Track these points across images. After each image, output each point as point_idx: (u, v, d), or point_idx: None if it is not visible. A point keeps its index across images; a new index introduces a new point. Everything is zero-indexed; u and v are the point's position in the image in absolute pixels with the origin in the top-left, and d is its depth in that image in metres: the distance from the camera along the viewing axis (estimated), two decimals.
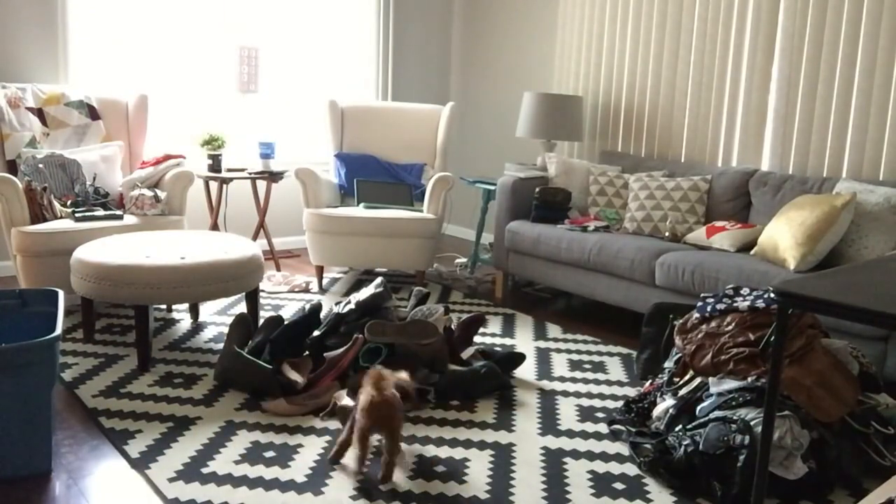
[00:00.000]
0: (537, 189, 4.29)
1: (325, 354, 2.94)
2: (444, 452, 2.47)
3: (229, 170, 4.70)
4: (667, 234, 3.98)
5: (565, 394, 3.01)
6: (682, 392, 2.50)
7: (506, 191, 4.38)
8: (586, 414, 2.83)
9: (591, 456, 2.48)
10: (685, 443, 2.28)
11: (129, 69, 4.71)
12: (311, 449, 2.44)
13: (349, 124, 4.95)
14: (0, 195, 3.54)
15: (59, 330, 2.23)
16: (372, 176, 4.70)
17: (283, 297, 4.21)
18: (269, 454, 2.40)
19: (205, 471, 2.27)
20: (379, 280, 3.26)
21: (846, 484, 2.32)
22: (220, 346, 3.36)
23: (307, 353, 3.05)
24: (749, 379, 2.38)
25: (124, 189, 4.02)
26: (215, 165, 4.58)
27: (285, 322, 3.09)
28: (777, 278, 3.15)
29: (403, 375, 2.38)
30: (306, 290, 4.38)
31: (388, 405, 2.23)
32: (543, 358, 3.43)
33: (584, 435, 2.64)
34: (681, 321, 2.73)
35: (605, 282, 3.86)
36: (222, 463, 2.33)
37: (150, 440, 2.46)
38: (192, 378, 3.00)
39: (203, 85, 5.00)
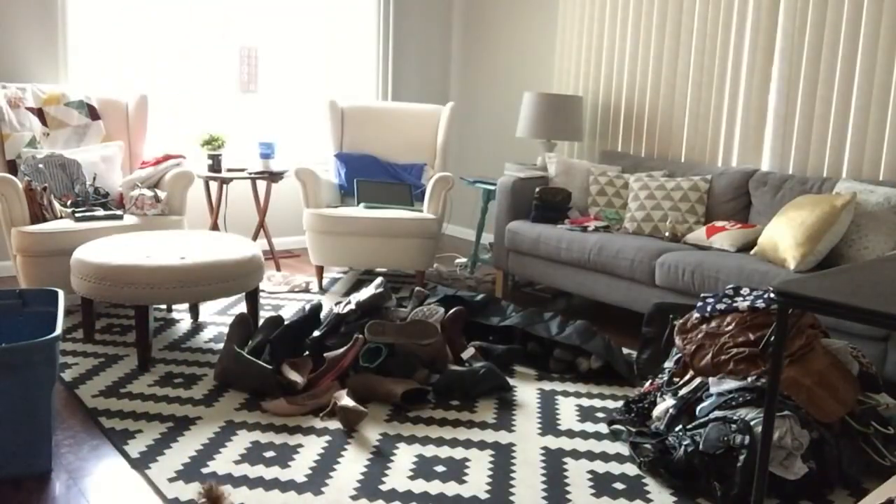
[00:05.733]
0: (537, 189, 4.29)
1: (325, 354, 2.94)
2: (444, 452, 2.47)
3: (229, 170, 4.70)
4: (667, 234, 3.98)
5: (565, 394, 3.01)
6: (682, 392, 2.50)
7: (506, 191, 4.38)
8: (586, 414, 2.82)
9: (591, 456, 2.48)
10: (685, 443, 2.28)
11: (129, 69, 4.71)
12: (311, 449, 2.44)
13: (349, 124, 4.95)
14: (0, 195, 3.54)
15: (59, 330, 2.23)
16: (372, 176, 4.70)
17: (283, 297, 4.21)
18: (269, 454, 2.40)
19: (205, 471, 2.27)
20: (379, 280, 3.26)
21: (846, 484, 2.32)
22: (220, 346, 3.36)
23: (307, 353, 3.05)
24: (749, 379, 2.38)
25: (124, 189, 4.02)
26: (215, 165, 4.58)
27: (285, 322, 3.09)
28: (777, 278, 3.15)
29: None
30: (306, 290, 4.38)
31: None
32: None
33: (584, 435, 2.64)
34: (681, 321, 2.73)
35: (605, 282, 3.86)
36: (222, 463, 2.33)
37: (150, 440, 2.46)
38: (192, 378, 3.00)
39: (203, 85, 5.00)
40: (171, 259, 3.05)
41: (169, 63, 4.85)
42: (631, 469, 2.40)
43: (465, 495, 2.20)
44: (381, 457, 2.41)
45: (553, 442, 2.57)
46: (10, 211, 3.56)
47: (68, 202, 3.84)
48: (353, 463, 2.36)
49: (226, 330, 3.58)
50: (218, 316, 3.82)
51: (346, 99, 5.09)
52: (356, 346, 2.92)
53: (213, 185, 4.89)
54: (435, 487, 2.23)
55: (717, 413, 2.30)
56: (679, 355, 2.69)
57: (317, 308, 3.17)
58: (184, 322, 3.71)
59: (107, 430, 2.51)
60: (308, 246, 4.36)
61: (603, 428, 2.70)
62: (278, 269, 4.77)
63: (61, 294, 2.53)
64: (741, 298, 2.66)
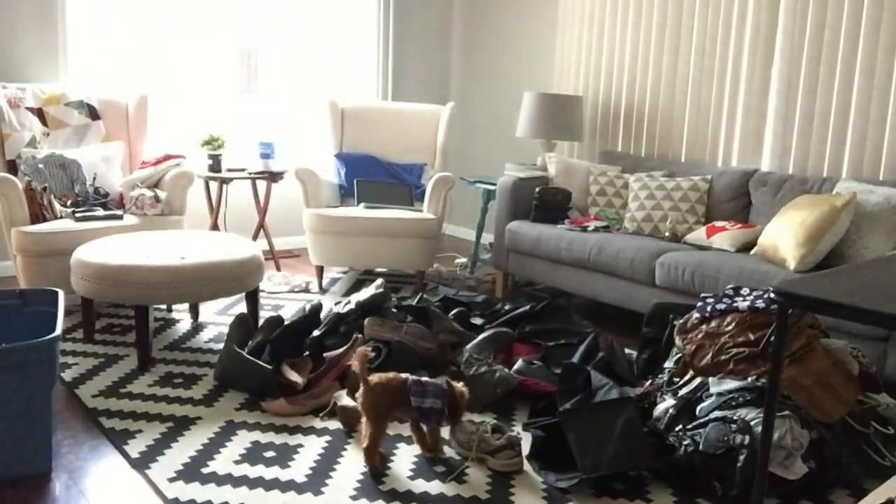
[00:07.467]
0: (537, 189, 4.29)
1: (324, 354, 2.94)
2: (443, 452, 2.47)
3: (229, 170, 4.70)
4: (667, 234, 3.98)
5: None
6: (682, 392, 2.50)
7: (506, 191, 4.38)
8: None
9: None
10: (685, 443, 2.28)
11: (129, 69, 4.71)
12: (311, 449, 2.44)
13: (349, 124, 4.95)
14: (0, 195, 3.54)
15: (59, 330, 2.23)
16: (372, 176, 4.70)
17: (283, 297, 4.21)
18: (269, 454, 2.40)
19: (205, 471, 2.27)
20: (379, 281, 3.26)
21: (846, 484, 2.32)
22: (220, 346, 3.36)
23: (307, 353, 3.05)
24: (749, 379, 2.38)
25: (124, 189, 4.02)
26: (215, 165, 4.58)
27: (285, 322, 3.09)
28: (777, 278, 3.15)
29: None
30: (306, 290, 4.38)
31: None
32: None
33: None
34: (681, 321, 2.73)
35: (605, 282, 3.86)
36: (222, 463, 2.33)
37: (150, 440, 2.46)
38: (192, 378, 2.99)
39: (203, 85, 5.00)
40: (171, 259, 3.05)
41: (169, 63, 4.85)
42: None
43: (466, 495, 2.20)
44: (381, 457, 2.41)
45: None
46: (10, 211, 3.56)
47: (68, 202, 3.84)
48: (353, 463, 2.36)
49: (226, 330, 3.57)
50: (218, 316, 3.82)
51: (346, 99, 5.09)
52: (355, 346, 2.92)
53: (213, 186, 4.88)
54: (435, 487, 2.23)
55: (717, 413, 2.30)
56: (679, 355, 2.69)
57: (317, 308, 3.17)
58: (184, 322, 3.71)
59: (107, 430, 2.51)
60: (308, 246, 4.36)
61: None
62: (278, 269, 4.77)
63: (61, 294, 2.53)
64: (741, 298, 2.66)
